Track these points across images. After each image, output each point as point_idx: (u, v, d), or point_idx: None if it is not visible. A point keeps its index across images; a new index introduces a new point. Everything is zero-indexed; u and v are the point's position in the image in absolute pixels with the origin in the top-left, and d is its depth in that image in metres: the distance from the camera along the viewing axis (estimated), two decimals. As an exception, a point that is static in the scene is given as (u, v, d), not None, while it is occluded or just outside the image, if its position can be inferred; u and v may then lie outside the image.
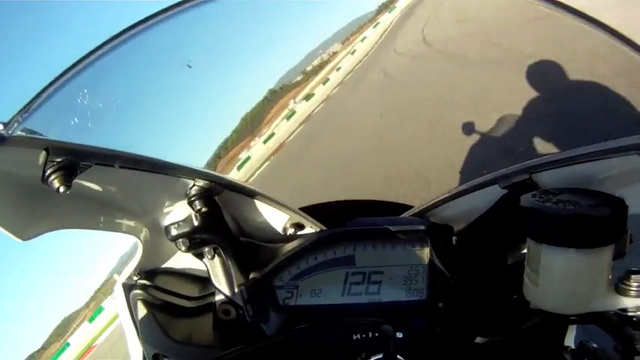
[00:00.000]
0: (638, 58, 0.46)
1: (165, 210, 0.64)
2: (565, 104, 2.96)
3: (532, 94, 3.06)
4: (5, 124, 0.43)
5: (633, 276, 0.50)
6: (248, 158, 11.86)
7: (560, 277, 0.51)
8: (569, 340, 0.69)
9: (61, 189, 0.44)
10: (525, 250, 0.57)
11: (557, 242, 0.49)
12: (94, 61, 0.55)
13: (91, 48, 0.55)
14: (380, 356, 0.59)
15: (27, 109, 0.47)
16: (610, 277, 0.51)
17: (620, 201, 0.48)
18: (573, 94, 3.12)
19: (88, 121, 0.57)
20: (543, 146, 2.74)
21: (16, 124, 0.44)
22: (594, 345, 0.59)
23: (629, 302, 0.50)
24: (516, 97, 3.37)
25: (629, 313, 0.51)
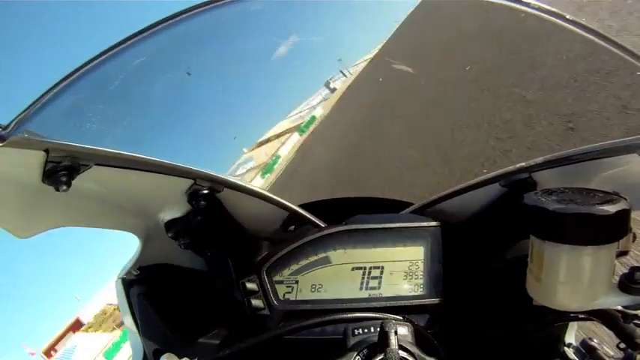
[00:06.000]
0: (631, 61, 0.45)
1: (166, 207, 0.64)
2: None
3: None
4: (6, 127, 0.43)
5: (637, 273, 0.49)
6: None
7: (563, 274, 0.51)
8: (571, 337, 0.69)
9: (61, 188, 0.45)
10: (526, 247, 0.57)
11: (561, 240, 0.48)
12: (95, 67, 0.55)
13: (92, 55, 0.56)
14: (382, 356, 0.59)
15: (27, 113, 0.47)
16: (614, 274, 0.51)
17: (624, 200, 0.47)
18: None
19: (89, 124, 0.58)
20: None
21: (16, 127, 0.45)
22: (596, 342, 0.59)
23: (632, 300, 0.50)
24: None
25: (633, 311, 0.51)
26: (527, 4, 0.55)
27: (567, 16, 0.52)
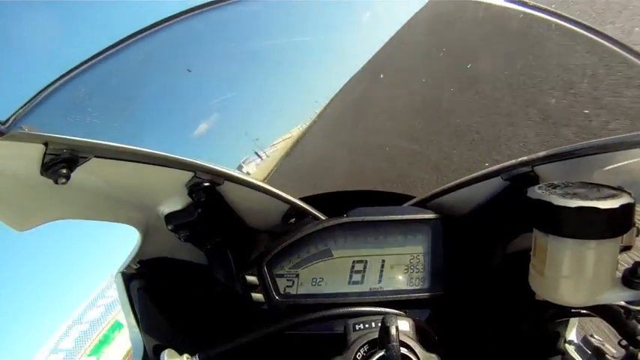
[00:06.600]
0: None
1: (166, 200, 0.64)
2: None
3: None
4: (5, 122, 0.44)
5: (641, 268, 0.48)
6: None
7: (566, 268, 0.50)
8: (572, 334, 0.68)
9: (60, 181, 0.45)
10: (528, 241, 0.56)
11: (565, 233, 0.48)
12: (95, 65, 0.56)
13: (91, 54, 0.56)
14: (382, 353, 0.59)
15: (26, 108, 0.48)
16: (617, 269, 0.50)
17: (628, 194, 0.46)
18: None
19: (89, 119, 0.58)
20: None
21: (15, 121, 0.45)
22: (598, 339, 0.58)
23: (636, 294, 0.49)
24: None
25: (635, 307, 0.50)
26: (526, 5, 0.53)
27: (569, 17, 0.50)
